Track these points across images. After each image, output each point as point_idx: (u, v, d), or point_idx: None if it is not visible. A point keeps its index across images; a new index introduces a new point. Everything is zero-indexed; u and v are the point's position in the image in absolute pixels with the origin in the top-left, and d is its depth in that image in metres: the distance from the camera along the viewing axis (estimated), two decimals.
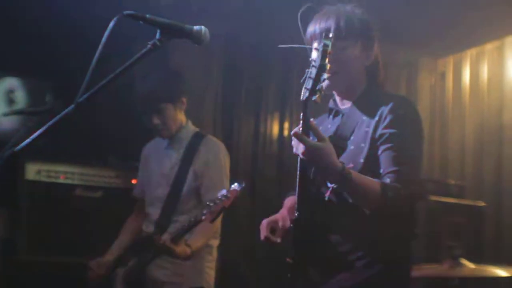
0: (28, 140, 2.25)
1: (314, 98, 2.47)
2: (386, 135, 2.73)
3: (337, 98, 3.05)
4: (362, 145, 2.77)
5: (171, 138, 4.53)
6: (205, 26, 2.52)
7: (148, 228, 4.48)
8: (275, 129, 7.07)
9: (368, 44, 3.00)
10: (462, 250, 4.70)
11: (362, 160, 2.74)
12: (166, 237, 4.05)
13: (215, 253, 4.51)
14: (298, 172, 2.69)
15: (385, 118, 2.76)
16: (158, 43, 2.41)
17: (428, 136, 7.61)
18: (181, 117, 4.52)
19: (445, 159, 7.46)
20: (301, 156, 2.55)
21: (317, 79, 2.46)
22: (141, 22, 2.43)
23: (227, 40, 6.72)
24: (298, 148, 2.55)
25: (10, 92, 6.15)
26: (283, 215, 3.05)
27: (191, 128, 4.58)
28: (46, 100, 6.05)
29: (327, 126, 3.04)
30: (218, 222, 4.38)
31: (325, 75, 2.45)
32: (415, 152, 2.80)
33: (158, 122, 4.42)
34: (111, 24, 2.34)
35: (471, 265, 4.58)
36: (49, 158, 5.52)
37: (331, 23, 2.86)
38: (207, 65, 6.65)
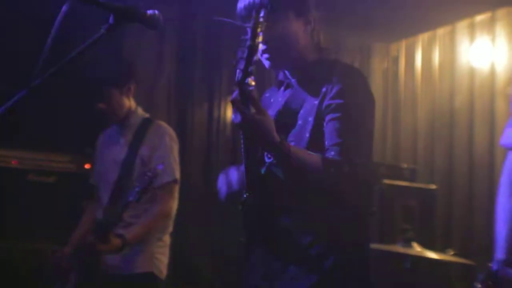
0: None
1: (247, 80, 2.30)
2: (333, 106, 2.56)
3: (287, 72, 2.87)
4: (310, 118, 2.62)
5: (120, 124, 4.50)
6: (157, 9, 2.49)
7: (99, 214, 4.45)
8: (229, 114, 7.06)
9: (302, 12, 2.81)
10: (414, 233, 4.76)
11: (307, 135, 2.61)
12: (90, 239, 4.03)
13: (166, 239, 4.49)
14: (242, 148, 2.58)
15: (333, 88, 2.59)
16: (111, 28, 2.38)
17: (381, 120, 7.69)
18: (129, 103, 4.46)
19: (397, 143, 7.55)
20: (236, 126, 2.39)
21: (248, 61, 2.29)
22: (94, 6, 2.39)
23: (180, 25, 6.70)
24: (236, 117, 2.37)
25: None
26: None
27: (140, 113, 4.54)
28: None
29: (277, 99, 2.90)
30: (169, 208, 4.37)
31: (256, 56, 2.30)
32: (364, 123, 2.61)
33: (104, 107, 4.38)
34: (63, 8, 2.30)
35: (421, 249, 4.65)
36: (1, 143, 5.45)
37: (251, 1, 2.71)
38: (160, 50, 6.63)
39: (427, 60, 7.31)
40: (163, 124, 4.54)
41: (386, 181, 6.03)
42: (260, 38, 2.30)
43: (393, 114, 7.66)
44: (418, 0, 6.26)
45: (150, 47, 6.36)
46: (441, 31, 7.17)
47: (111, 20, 2.39)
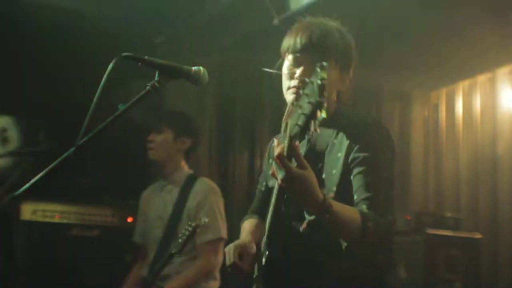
0: (28, 185, 2.23)
1: (307, 134, 2.21)
2: (360, 158, 2.58)
3: None
4: (334, 171, 2.63)
5: (165, 180, 4.56)
6: (198, 62, 2.50)
7: (144, 272, 4.46)
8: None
9: (346, 68, 2.82)
10: (460, 284, 4.69)
11: (334, 188, 2.60)
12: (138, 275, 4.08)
13: None
14: (273, 203, 2.57)
15: (358, 141, 2.61)
16: (157, 84, 2.40)
17: (423, 169, 7.65)
18: (179, 157, 4.55)
19: (440, 191, 7.48)
20: (279, 182, 2.29)
21: (311, 116, 2.16)
22: (139, 63, 2.42)
23: (220, 77, 6.73)
24: (279, 173, 2.27)
25: (3, 131, 6.13)
26: (249, 240, 2.82)
27: (186, 170, 4.60)
28: (40, 139, 6.02)
29: None
30: (215, 263, 4.37)
31: (324, 114, 2.15)
32: (389, 177, 2.61)
33: (153, 139, 4.48)
34: (110, 66, 2.33)
35: None
36: (44, 197, 5.48)
37: (313, 38, 2.71)
38: (201, 102, 6.66)
39: (468, 107, 7.27)
40: (207, 180, 4.56)
41: (430, 231, 5.98)
42: (325, 95, 2.16)
43: (435, 162, 7.62)
44: (458, 47, 6.23)
45: (191, 97, 6.39)
46: (481, 78, 7.14)
47: (156, 76, 2.41)
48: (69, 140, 2.31)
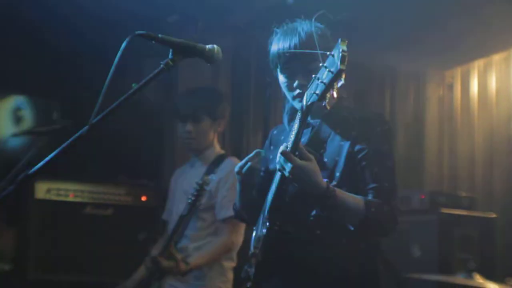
0: (42, 163, 2.23)
1: (324, 103, 2.39)
2: (366, 151, 2.77)
3: None
4: (337, 158, 2.80)
5: (197, 157, 4.57)
6: (211, 41, 2.50)
7: (160, 244, 4.48)
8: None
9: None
10: (475, 264, 4.68)
11: (338, 174, 2.78)
12: (153, 252, 4.08)
13: (229, 275, 4.48)
14: (276, 186, 2.74)
15: (364, 133, 2.80)
16: (170, 62, 2.39)
17: (437, 148, 7.62)
18: (213, 138, 4.56)
19: (454, 170, 7.45)
20: (287, 174, 2.54)
21: (330, 84, 2.32)
22: (153, 41, 2.41)
23: (234, 54, 6.71)
24: (285, 167, 2.54)
25: (17, 110, 6.15)
26: None
27: (217, 149, 4.61)
28: (53, 118, 6.04)
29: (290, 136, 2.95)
30: (235, 240, 4.38)
31: (342, 81, 2.31)
32: (393, 167, 2.83)
33: (191, 130, 4.46)
34: (123, 45, 2.31)
35: (483, 280, 4.57)
36: (58, 176, 5.49)
37: (296, 42, 2.82)
38: (214, 82, 6.64)
39: (483, 86, 7.23)
40: (234, 159, 4.54)
41: (444, 210, 5.96)
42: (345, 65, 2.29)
43: (449, 141, 7.57)
44: (473, 26, 6.19)
45: (204, 77, 6.37)
46: (496, 57, 7.09)
47: (170, 55, 2.40)
48: (83, 119, 2.30)
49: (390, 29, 6.11)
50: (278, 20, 3.05)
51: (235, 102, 6.87)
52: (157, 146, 5.48)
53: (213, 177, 4.20)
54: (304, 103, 2.48)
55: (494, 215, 6.24)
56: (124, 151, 6.07)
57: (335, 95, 2.35)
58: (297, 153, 2.56)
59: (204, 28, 6.07)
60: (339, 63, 2.25)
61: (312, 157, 2.55)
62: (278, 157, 2.56)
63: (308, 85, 2.47)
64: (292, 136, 2.57)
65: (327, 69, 2.30)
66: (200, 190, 4.06)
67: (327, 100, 2.38)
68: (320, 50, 2.65)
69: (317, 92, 2.37)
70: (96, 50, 5.05)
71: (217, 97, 4.69)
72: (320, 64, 2.35)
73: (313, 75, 2.41)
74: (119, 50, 2.31)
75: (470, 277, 4.55)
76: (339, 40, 2.29)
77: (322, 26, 2.89)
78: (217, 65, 6.47)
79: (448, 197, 6.29)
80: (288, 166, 2.52)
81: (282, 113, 6.98)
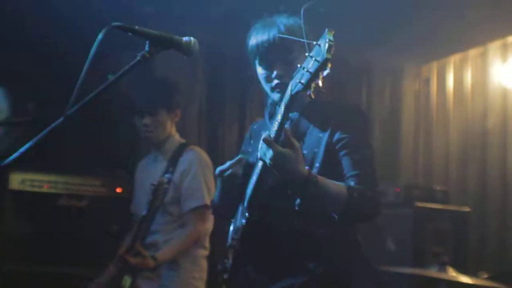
0: (16, 154, 2.21)
1: (309, 92, 2.38)
2: (345, 140, 2.79)
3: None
4: (316, 150, 2.83)
5: (157, 150, 4.57)
6: (187, 33, 2.50)
7: (127, 240, 4.48)
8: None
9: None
10: (448, 257, 4.71)
11: (318, 165, 2.80)
12: (121, 250, 4.09)
13: (203, 263, 4.50)
14: (256, 177, 2.79)
15: (343, 123, 2.83)
16: (147, 54, 2.39)
17: (413, 142, 7.66)
18: (170, 128, 4.56)
19: (429, 165, 7.49)
20: (268, 161, 2.54)
21: (316, 74, 2.32)
22: (129, 33, 2.40)
23: (210, 48, 6.70)
24: (267, 154, 2.54)
25: None
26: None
27: (177, 139, 4.61)
28: (28, 108, 6.00)
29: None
30: (202, 230, 4.40)
31: (327, 70, 2.31)
32: (373, 155, 2.87)
33: (149, 123, 4.45)
34: (99, 36, 2.31)
35: (456, 273, 4.60)
36: (33, 167, 5.46)
37: (275, 34, 2.86)
38: (190, 73, 6.63)
39: (459, 81, 7.27)
40: (197, 149, 4.57)
41: (418, 204, 5.99)
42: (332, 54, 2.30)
43: (425, 135, 7.62)
44: (449, 21, 6.22)
45: (181, 68, 6.36)
46: (473, 52, 7.13)
47: (147, 47, 2.40)
48: (58, 110, 2.29)
49: (366, 23, 6.12)
50: (254, 12, 3.06)
51: (211, 94, 6.88)
52: (132, 138, 5.45)
53: (169, 176, 4.20)
54: (289, 92, 2.48)
55: (467, 209, 6.28)
56: (99, 142, 6.05)
57: (320, 84, 2.35)
58: (280, 141, 2.56)
59: (180, 20, 6.04)
60: (325, 52, 2.25)
61: (296, 144, 2.54)
62: (260, 144, 2.56)
63: (294, 74, 2.47)
64: (275, 125, 2.58)
65: (313, 58, 2.31)
66: (157, 190, 4.08)
67: (312, 90, 2.37)
68: (297, 43, 2.71)
69: (302, 81, 2.37)
70: (72, 40, 5.02)
71: (171, 87, 4.71)
72: (306, 54, 2.36)
73: (298, 65, 2.42)
74: (94, 40, 2.30)
75: (443, 270, 4.57)
76: (326, 30, 2.30)
77: (300, 20, 2.86)
78: (193, 58, 6.48)
79: (422, 190, 6.32)
80: (269, 153, 2.52)
81: (257, 106, 7.05)
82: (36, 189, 5.50)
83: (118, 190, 5.62)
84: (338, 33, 2.30)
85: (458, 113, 7.22)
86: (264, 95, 3.13)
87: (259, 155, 2.62)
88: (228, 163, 2.94)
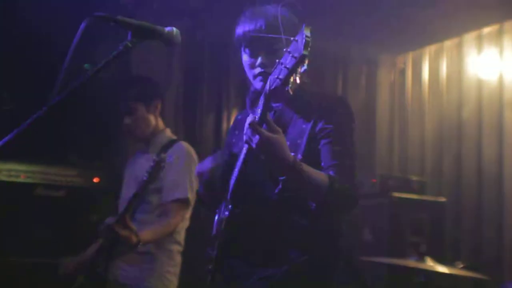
0: None
1: (287, 88, 2.37)
2: (327, 130, 2.81)
3: None
4: (299, 141, 2.84)
5: (147, 144, 4.55)
6: (165, 23, 2.49)
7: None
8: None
9: None
10: (426, 247, 4.75)
11: (300, 156, 2.77)
12: (109, 220, 4.06)
13: (177, 258, 4.49)
14: (239, 165, 2.82)
15: (326, 114, 2.85)
16: (129, 44, 2.38)
17: (388, 133, 7.70)
18: (155, 121, 4.54)
19: (405, 155, 7.54)
20: (253, 146, 2.54)
21: (293, 70, 2.31)
22: (111, 23, 2.39)
23: (187, 38, 6.69)
24: (253, 139, 2.53)
25: None
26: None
27: (168, 135, 4.59)
28: (4, 96, 5.96)
29: None
30: (180, 223, 4.39)
31: (305, 67, 2.30)
32: (354, 147, 2.88)
33: (129, 122, 4.43)
34: (81, 26, 2.29)
35: (433, 263, 4.63)
36: (9, 157, 5.43)
37: (262, 24, 2.88)
38: (167, 63, 6.62)
39: (434, 72, 7.32)
40: (184, 144, 4.54)
41: (395, 194, 6.03)
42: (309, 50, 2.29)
43: (400, 126, 7.66)
44: (425, 12, 6.25)
45: (158, 58, 6.35)
46: (448, 43, 7.17)
47: (129, 37, 2.39)
48: (33, 99, 2.28)
49: (342, 14, 6.14)
50: (232, 3, 3.07)
51: (188, 85, 6.87)
52: (109, 127, 5.44)
53: (169, 155, 4.18)
54: (268, 87, 2.49)
55: (443, 199, 6.34)
56: (76, 132, 6.02)
57: (298, 80, 2.35)
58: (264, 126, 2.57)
59: (158, 9, 6.03)
60: (302, 48, 2.24)
61: (279, 129, 2.55)
62: (246, 128, 2.55)
63: (272, 69, 2.47)
64: (258, 111, 2.58)
65: (291, 54, 2.30)
66: (157, 166, 4.02)
67: (290, 85, 2.37)
68: (285, 33, 2.72)
69: (280, 76, 2.36)
70: (49, 30, 5.00)
71: (143, 80, 4.68)
72: (284, 49, 2.35)
73: (277, 60, 2.42)
74: (72, 30, 2.29)
75: (422, 260, 4.61)
76: (303, 25, 2.29)
77: (289, 11, 2.93)
78: (170, 48, 6.48)
79: (399, 181, 6.37)
80: (255, 138, 2.51)
81: (234, 96, 7.05)
82: (13, 179, 5.47)
83: (96, 180, 5.61)
84: (315, 23, 2.31)
85: (434, 104, 7.27)
86: (241, 85, 3.13)
87: (244, 139, 2.61)
88: (207, 166, 2.97)
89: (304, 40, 2.25)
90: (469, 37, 6.92)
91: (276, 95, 2.56)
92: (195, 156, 4.53)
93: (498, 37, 6.63)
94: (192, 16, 6.32)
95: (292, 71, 2.31)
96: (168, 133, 4.63)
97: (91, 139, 6.07)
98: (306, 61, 2.28)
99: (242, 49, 2.98)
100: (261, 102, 2.57)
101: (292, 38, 2.33)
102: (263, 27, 2.86)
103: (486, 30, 6.74)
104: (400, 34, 6.98)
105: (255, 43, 2.91)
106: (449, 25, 6.71)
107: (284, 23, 2.78)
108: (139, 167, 4.45)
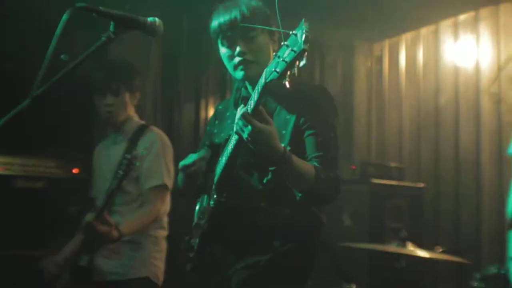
0: None
1: (284, 81, 2.35)
2: (311, 122, 2.87)
3: (250, 87, 3.05)
4: (283, 131, 2.89)
5: (116, 132, 4.54)
6: (141, 11, 2.49)
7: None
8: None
9: (272, 34, 3.01)
10: (407, 232, 4.79)
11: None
12: (88, 216, 4.06)
13: (162, 244, 4.50)
14: (228, 155, 2.82)
15: (310, 106, 2.89)
16: (112, 35, 2.38)
17: (366, 120, 7.73)
18: (130, 110, 4.53)
19: (382, 142, 7.59)
20: (245, 137, 2.55)
21: (292, 64, 2.28)
22: (94, 14, 2.39)
23: (165, 26, 6.66)
24: (244, 129, 2.54)
25: None
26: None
27: (136, 120, 4.57)
28: None
29: (233, 112, 3.02)
30: (161, 209, 4.39)
31: (304, 61, 2.28)
32: (335, 136, 2.92)
33: (111, 103, 4.41)
34: (64, 17, 2.29)
35: (414, 248, 4.67)
36: None
37: (237, 14, 2.90)
38: (146, 54, 6.61)
39: (411, 59, 7.36)
40: (156, 129, 4.54)
41: (374, 180, 6.06)
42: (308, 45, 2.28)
43: (377, 113, 7.71)
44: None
45: (136, 48, 6.33)
46: (424, 31, 7.22)
47: (111, 28, 2.39)
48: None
49: (319, 1, 6.15)
50: None
51: (167, 73, 6.86)
52: (87, 118, 5.42)
53: (143, 152, 4.19)
54: (264, 79, 2.45)
55: (422, 185, 6.39)
56: (55, 122, 5.98)
57: (296, 74, 2.32)
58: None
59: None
60: (302, 42, 2.23)
61: (271, 120, 2.57)
62: (237, 119, 2.56)
63: (270, 62, 2.42)
64: (251, 102, 2.55)
65: (289, 48, 2.28)
66: (130, 164, 4.04)
67: (287, 79, 2.34)
68: (259, 23, 2.82)
69: (277, 69, 2.33)
70: (28, 20, 4.98)
71: (133, 70, 4.66)
72: (282, 43, 2.33)
73: (274, 53, 2.40)
74: (52, 21, 2.29)
75: (403, 245, 4.65)
76: (303, 20, 2.28)
77: (261, 2, 2.98)
78: (148, 38, 6.45)
79: (378, 167, 6.42)
80: (247, 129, 2.52)
81: (213, 86, 7.02)
82: None
83: (75, 171, 5.59)
84: (292, 10, 2.31)
85: (411, 90, 7.32)
86: (220, 74, 3.14)
87: (235, 129, 2.61)
88: (191, 159, 2.95)
89: (304, 34, 2.24)
90: (445, 24, 6.97)
91: (271, 87, 2.51)
92: (167, 140, 4.53)
93: (474, 24, 6.68)
94: (169, 4, 6.29)
95: (290, 64, 2.29)
96: (137, 119, 4.61)
97: (69, 129, 6.05)
98: (305, 55, 2.26)
99: (219, 41, 2.99)
100: (255, 93, 2.52)
101: (290, 32, 2.32)
102: (238, 17, 2.88)
103: (462, 17, 6.79)
104: (377, 22, 7.01)
105: (231, 33, 2.93)
106: (426, 13, 6.75)
107: (257, 13, 2.86)
108: (113, 157, 4.44)
